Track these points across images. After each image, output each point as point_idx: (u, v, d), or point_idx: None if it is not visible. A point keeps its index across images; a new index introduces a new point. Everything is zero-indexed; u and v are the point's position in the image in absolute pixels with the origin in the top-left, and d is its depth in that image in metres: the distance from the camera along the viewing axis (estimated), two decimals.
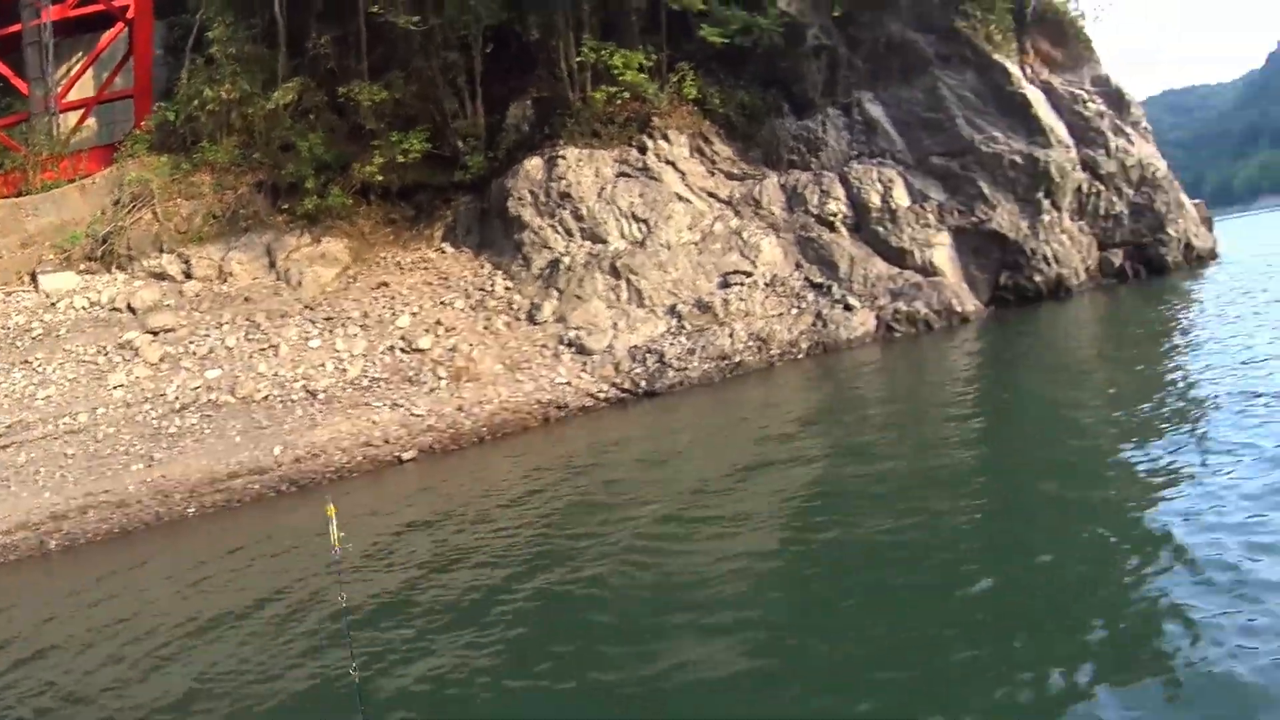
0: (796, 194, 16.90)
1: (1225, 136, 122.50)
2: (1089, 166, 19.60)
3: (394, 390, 11.68)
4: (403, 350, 12.56)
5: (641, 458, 9.10)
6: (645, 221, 16.04)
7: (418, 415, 11.14)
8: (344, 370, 11.84)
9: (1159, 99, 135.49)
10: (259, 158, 16.14)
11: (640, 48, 17.14)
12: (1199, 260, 20.92)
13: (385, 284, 14.52)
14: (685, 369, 13.06)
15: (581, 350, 13.23)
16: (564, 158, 16.39)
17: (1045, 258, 17.80)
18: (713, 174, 16.94)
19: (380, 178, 16.04)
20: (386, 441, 10.76)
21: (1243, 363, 7.80)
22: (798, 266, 15.74)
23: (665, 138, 17.07)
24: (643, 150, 16.84)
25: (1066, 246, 18.44)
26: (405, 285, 14.50)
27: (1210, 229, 24.48)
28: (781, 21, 17.96)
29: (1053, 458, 6.31)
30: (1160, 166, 21.66)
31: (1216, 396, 6.68)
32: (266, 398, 11.31)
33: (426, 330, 13.22)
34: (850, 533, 5.14)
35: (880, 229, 16.37)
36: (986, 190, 17.52)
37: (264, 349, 12.78)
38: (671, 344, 13.53)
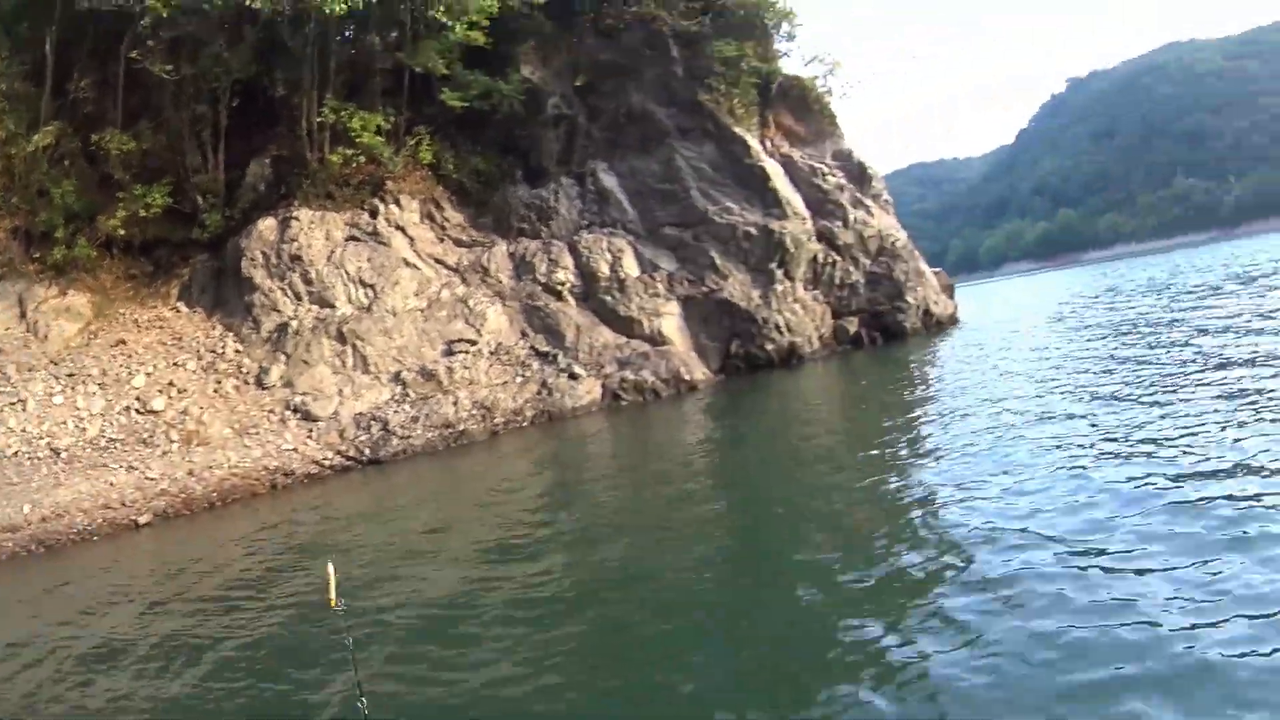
0: (525, 262, 25.21)
1: (973, 208, 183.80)
2: (826, 237, 29.95)
3: (130, 452, 16.80)
4: (138, 411, 17.92)
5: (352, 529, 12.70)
6: (373, 287, 23.49)
7: (151, 478, 15.93)
8: (84, 429, 17.46)
9: (906, 172, 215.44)
10: (16, 202, 21.10)
11: (381, 109, 24.59)
12: (939, 326, 31.63)
13: (123, 341, 19.90)
14: (409, 437, 19.13)
15: (308, 416, 19.78)
16: (297, 219, 23.41)
17: (777, 326, 27.59)
18: (442, 240, 24.81)
19: (123, 231, 21.64)
20: (124, 504, 15.28)
21: (957, 414, 12.67)
22: (523, 335, 23.88)
23: (397, 202, 24.83)
24: (374, 214, 24.37)
25: (799, 315, 28.53)
26: (142, 344, 19.95)
27: (951, 296, 36.51)
28: (523, 88, 26.45)
29: (759, 516, 9.41)
30: (900, 237, 33.23)
31: (927, 452, 10.57)
32: (16, 454, 16.06)
33: (160, 391, 18.64)
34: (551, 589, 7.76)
35: (608, 298, 24.92)
36: (718, 260, 27.00)
37: (14, 403, 17.44)
38: (396, 412, 19.82)
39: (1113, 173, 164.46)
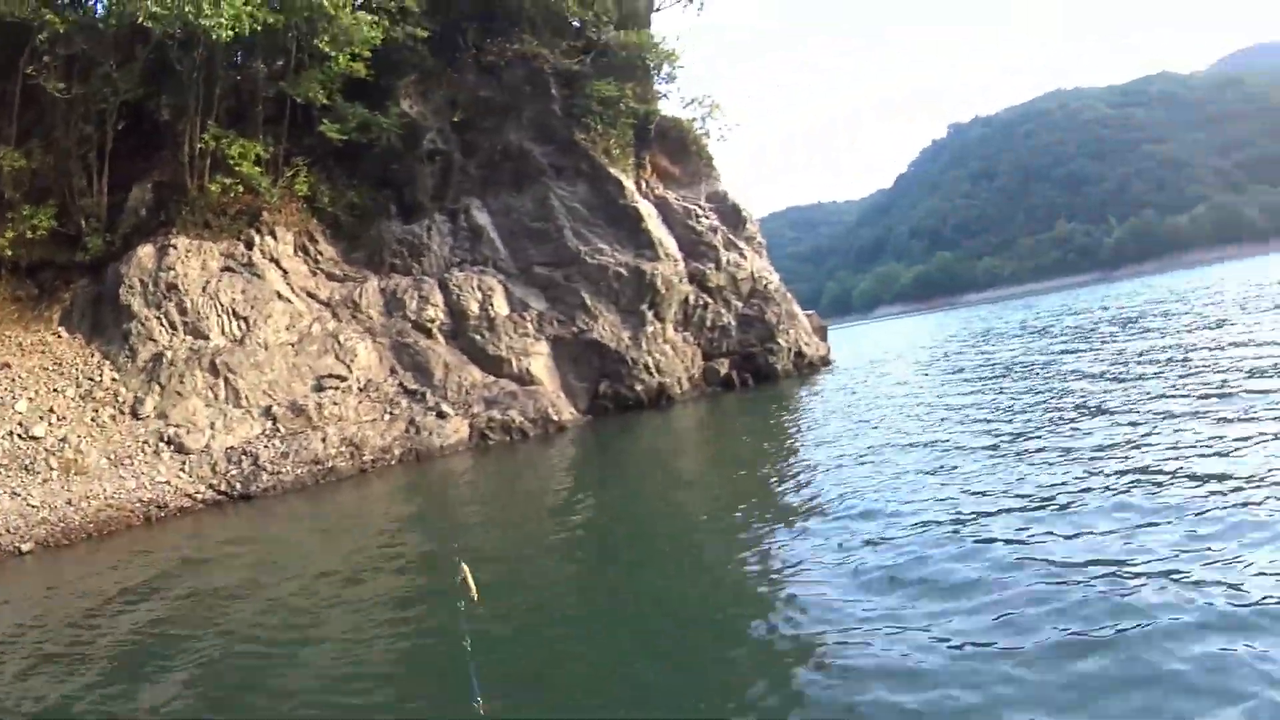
0: (396, 299, 27.80)
1: (848, 250, 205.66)
2: (698, 279, 33.37)
3: (13, 478, 18.00)
4: (20, 437, 19.12)
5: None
6: (246, 319, 25.56)
7: (33, 506, 17.26)
8: None
9: (782, 214, 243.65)
10: None
11: (261, 139, 26.92)
12: (811, 368, 35.52)
13: (8, 365, 21.19)
14: (279, 473, 20.87)
15: (181, 449, 21.75)
16: (175, 247, 25.34)
17: (646, 367, 30.81)
18: (315, 274, 27.18)
19: (10, 252, 23.82)
20: (7, 531, 16.57)
21: (820, 456, 14.30)
22: (393, 372, 26.42)
23: (273, 234, 27.02)
24: (250, 245, 26.50)
25: (669, 356, 31.85)
26: (25, 368, 21.29)
27: (824, 338, 40.92)
28: (401, 122, 29.28)
29: (615, 560, 10.42)
30: (773, 279, 37.21)
31: (788, 487, 12.20)
32: None
33: (41, 417, 19.97)
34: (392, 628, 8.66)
35: (477, 337, 27.73)
36: (589, 301, 30.17)
37: None
38: (266, 446, 21.57)
39: (992, 216, 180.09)
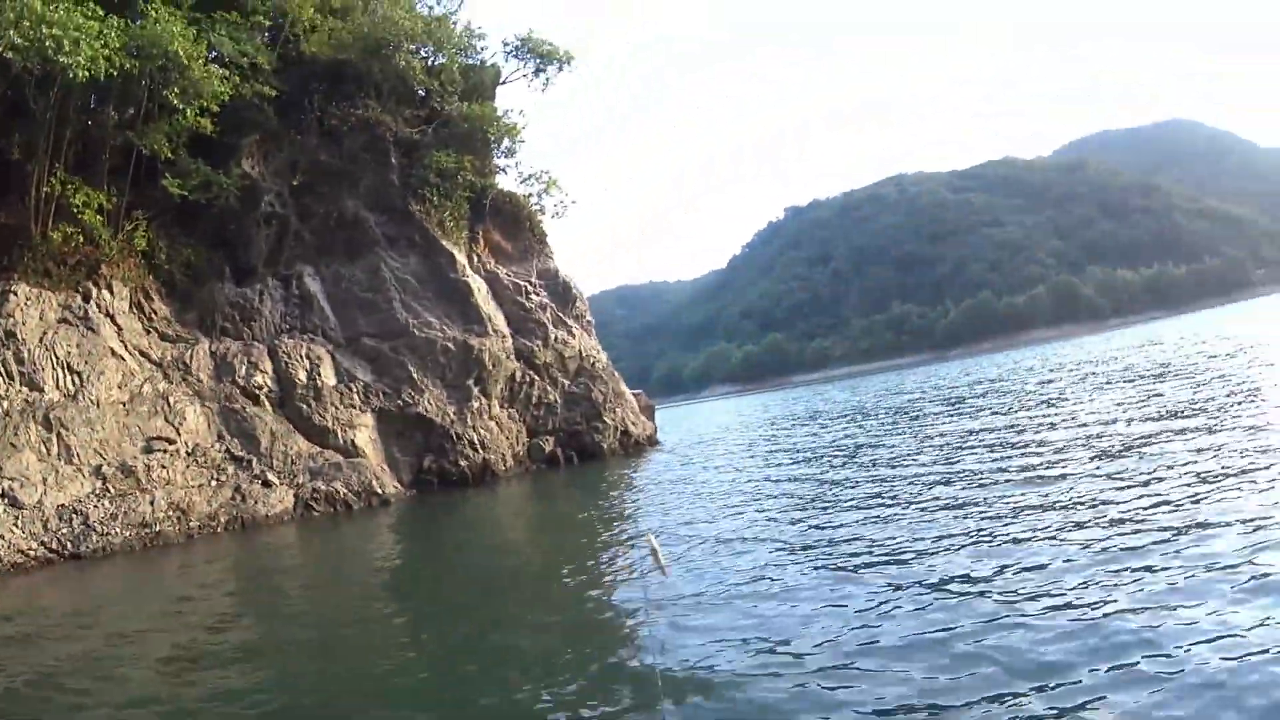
0: (226, 363, 31.11)
1: (680, 330, 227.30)
2: (525, 356, 37.77)
3: None
4: None
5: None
6: (80, 374, 27.94)
7: None
8: None
9: (614, 292, 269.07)
10: None
11: (106, 188, 29.58)
12: (637, 446, 40.37)
13: None
14: (108, 534, 23.11)
15: (15, 503, 24.12)
16: (15, 294, 27.60)
17: (471, 443, 34.87)
18: (149, 332, 30.09)
19: None
20: None
21: (635, 533, 16.52)
22: (220, 437, 29.69)
23: (110, 288, 29.59)
24: (87, 298, 28.89)
25: (495, 432, 36.17)
26: None
27: (651, 417, 46.18)
28: (242, 183, 32.71)
29: (423, 638, 11.54)
30: (600, 358, 42.21)
31: (599, 576, 13.59)
32: None
33: None
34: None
35: (304, 406, 31.33)
36: (416, 374, 34.08)
37: None
38: (96, 506, 23.69)
39: (825, 298, 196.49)
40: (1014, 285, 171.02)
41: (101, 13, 26.84)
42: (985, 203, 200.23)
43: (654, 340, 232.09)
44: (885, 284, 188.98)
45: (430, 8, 42.82)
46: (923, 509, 14.31)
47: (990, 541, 11.31)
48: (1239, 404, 19.93)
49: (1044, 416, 25.34)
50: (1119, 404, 24.75)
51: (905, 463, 20.53)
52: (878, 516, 14.27)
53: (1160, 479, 13.14)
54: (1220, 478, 12.47)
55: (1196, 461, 13.97)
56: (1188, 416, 19.20)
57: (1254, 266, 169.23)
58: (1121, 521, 11.03)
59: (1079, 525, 11.28)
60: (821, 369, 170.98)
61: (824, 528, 14.11)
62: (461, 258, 37.25)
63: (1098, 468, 15.01)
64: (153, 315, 30.83)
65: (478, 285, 37.27)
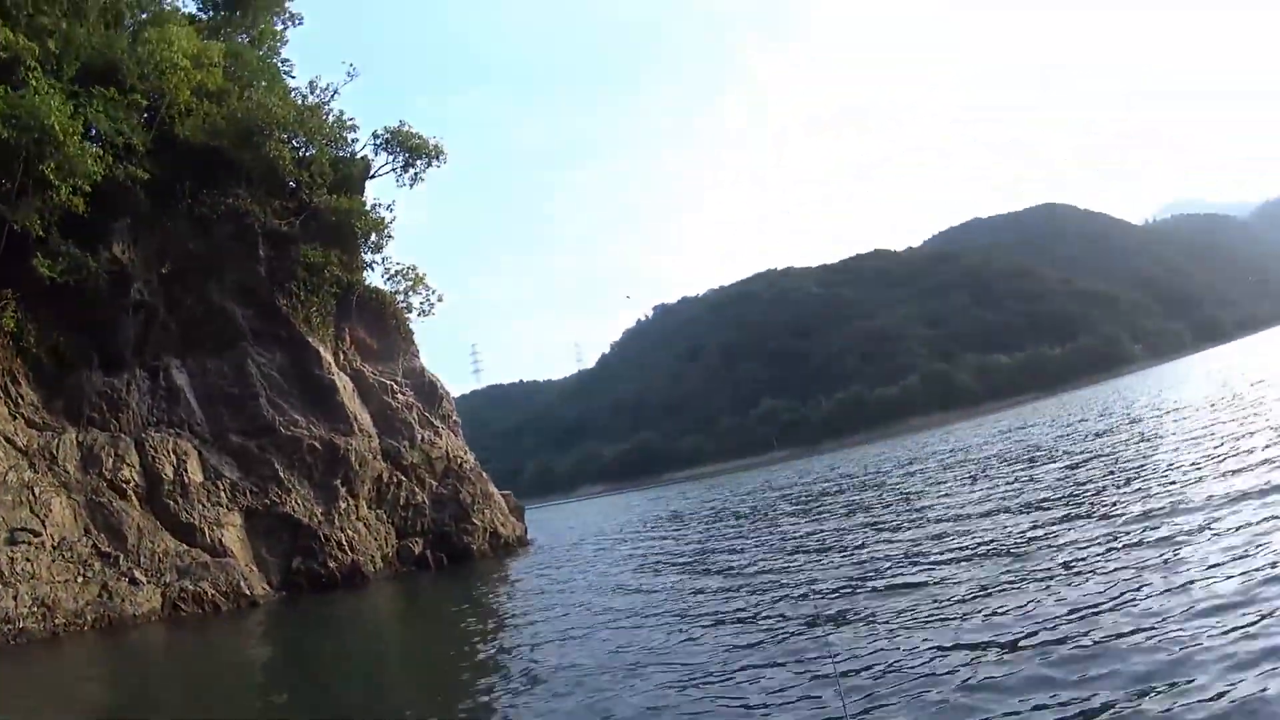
0: (93, 454, 32.76)
1: (550, 429, 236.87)
2: (392, 456, 40.58)
3: None
4: None
5: None
6: None
7: None
8: None
9: (484, 392, 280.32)
10: None
11: None
12: (507, 547, 42.88)
13: None
14: None
15: None
16: None
17: (340, 544, 36.89)
18: (15, 418, 31.56)
19: None
20: None
21: (506, 643, 18.25)
22: (87, 532, 31.10)
23: None
24: None
25: (363, 534, 38.31)
26: None
27: (521, 518, 48.90)
28: (111, 267, 34.75)
29: None
30: (468, 459, 44.87)
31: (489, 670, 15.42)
32: None
33: None
34: None
35: (172, 503, 33.12)
36: (282, 473, 36.32)
37: None
38: None
39: (696, 395, 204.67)
40: (887, 376, 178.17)
41: None
42: (856, 295, 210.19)
43: (526, 439, 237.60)
44: (756, 380, 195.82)
45: (304, 97, 45.84)
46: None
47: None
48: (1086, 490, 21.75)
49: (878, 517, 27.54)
50: (964, 499, 26.61)
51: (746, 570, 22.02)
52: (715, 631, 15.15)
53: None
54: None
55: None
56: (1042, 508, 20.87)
57: (1130, 342, 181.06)
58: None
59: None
60: (693, 466, 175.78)
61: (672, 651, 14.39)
62: (328, 355, 39.81)
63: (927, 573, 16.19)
64: (19, 400, 32.25)
65: (343, 383, 39.83)
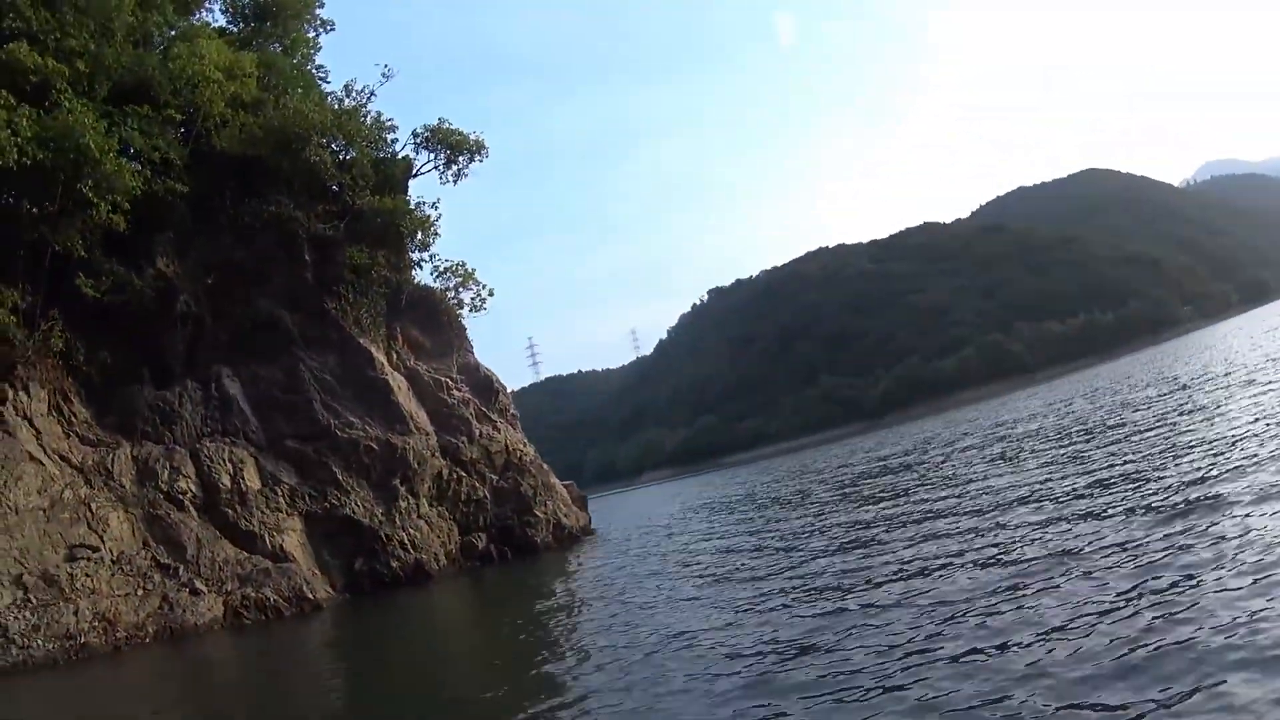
0: (148, 467, 32.13)
1: (611, 419, 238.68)
2: (450, 453, 39.51)
3: None
4: None
5: None
6: None
7: None
8: None
9: (543, 385, 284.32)
10: None
11: (19, 286, 30.58)
12: (571, 538, 42.12)
13: None
14: (28, 647, 23.44)
15: None
16: None
17: (402, 544, 36.13)
18: (69, 436, 30.95)
19: None
20: None
21: (577, 639, 17.10)
22: (145, 545, 30.45)
23: (26, 390, 30.53)
24: (3, 400, 29.46)
25: (425, 532, 37.41)
26: None
27: (584, 508, 47.94)
28: (155, 283, 34.12)
29: None
30: (528, 451, 43.84)
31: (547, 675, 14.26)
32: None
33: None
34: None
35: (230, 511, 32.42)
36: (341, 476, 35.47)
37: None
38: (16, 618, 23.92)
39: (754, 378, 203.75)
40: (942, 349, 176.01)
41: (14, 101, 28.42)
42: (907, 270, 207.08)
43: (587, 430, 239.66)
44: (813, 359, 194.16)
45: (340, 101, 44.94)
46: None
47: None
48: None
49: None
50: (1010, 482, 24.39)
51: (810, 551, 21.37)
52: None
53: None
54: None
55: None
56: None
57: (1179, 304, 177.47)
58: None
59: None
60: (755, 448, 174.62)
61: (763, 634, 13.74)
62: (380, 355, 38.94)
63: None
64: (72, 418, 31.77)
65: (398, 383, 38.91)
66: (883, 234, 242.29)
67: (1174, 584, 10.38)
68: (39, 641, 25.13)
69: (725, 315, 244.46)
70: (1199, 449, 19.87)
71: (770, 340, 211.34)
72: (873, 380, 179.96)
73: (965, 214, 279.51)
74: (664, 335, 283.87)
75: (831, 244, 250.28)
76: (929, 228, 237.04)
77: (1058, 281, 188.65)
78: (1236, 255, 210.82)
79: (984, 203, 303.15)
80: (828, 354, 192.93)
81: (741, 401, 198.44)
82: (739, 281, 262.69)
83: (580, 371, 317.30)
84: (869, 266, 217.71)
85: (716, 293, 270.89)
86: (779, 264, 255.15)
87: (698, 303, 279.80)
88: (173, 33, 39.58)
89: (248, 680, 21.33)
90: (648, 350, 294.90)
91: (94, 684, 22.59)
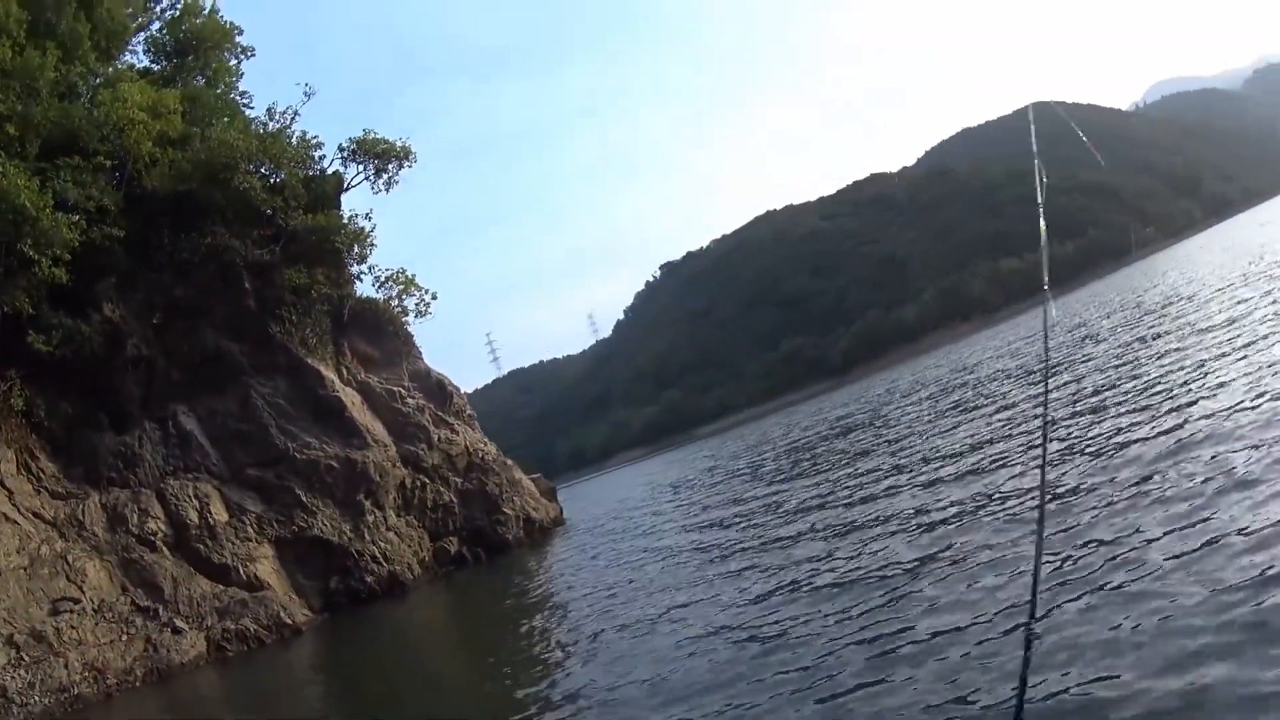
0: (118, 513, 33.09)
1: (576, 405, 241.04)
2: (411, 461, 40.89)
3: None
4: None
5: None
6: None
7: None
8: None
9: (507, 379, 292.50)
10: None
11: None
12: (542, 531, 43.56)
13: None
14: (27, 704, 23.54)
15: None
16: None
17: (374, 557, 37.30)
18: (39, 492, 31.73)
19: None
20: None
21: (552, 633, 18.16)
22: (124, 590, 31.55)
23: None
24: None
25: (395, 543, 38.67)
26: None
27: (553, 498, 49.43)
28: (103, 329, 34.95)
29: None
30: (489, 450, 45.32)
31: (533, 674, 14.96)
32: None
33: None
34: None
35: (201, 546, 33.45)
36: (305, 498, 36.53)
37: None
38: (13, 677, 24.08)
39: (715, 348, 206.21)
40: (901, 298, 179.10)
41: None
42: (859, 224, 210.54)
43: (555, 419, 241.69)
44: (773, 323, 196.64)
45: (264, 125, 45.89)
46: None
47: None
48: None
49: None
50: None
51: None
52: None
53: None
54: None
55: None
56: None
57: (1141, 227, 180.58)
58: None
59: None
60: (724, 417, 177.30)
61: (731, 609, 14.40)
62: (330, 373, 40.07)
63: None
64: (40, 474, 32.57)
65: (350, 398, 40.10)
66: (830, 190, 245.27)
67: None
68: (35, 698, 25.86)
69: (680, 289, 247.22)
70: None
71: (727, 309, 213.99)
72: (835, 338, 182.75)
73: (911, 162, 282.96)
74: (620, 316, 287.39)
75: (779, 206, 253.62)
76: (877, 179, 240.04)
77: (1012, 219, 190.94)
78: (1196, 172, 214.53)
79: (929, 148, 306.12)
80: (787, 316, 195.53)
81: (704, 373, 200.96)
82: (690, 254, 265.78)
83: (541, 361, 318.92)
84: (820, 224, 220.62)
85: (669, 268, 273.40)
86: (729, 231, 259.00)
87: (651, 280, 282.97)
88: (97, 80, 40.34)
89: (238, 712, 22.28)
90: (606, 333, 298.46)
91: None
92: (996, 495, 15.11)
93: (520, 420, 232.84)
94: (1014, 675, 7.18)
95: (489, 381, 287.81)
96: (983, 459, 19.30)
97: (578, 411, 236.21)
